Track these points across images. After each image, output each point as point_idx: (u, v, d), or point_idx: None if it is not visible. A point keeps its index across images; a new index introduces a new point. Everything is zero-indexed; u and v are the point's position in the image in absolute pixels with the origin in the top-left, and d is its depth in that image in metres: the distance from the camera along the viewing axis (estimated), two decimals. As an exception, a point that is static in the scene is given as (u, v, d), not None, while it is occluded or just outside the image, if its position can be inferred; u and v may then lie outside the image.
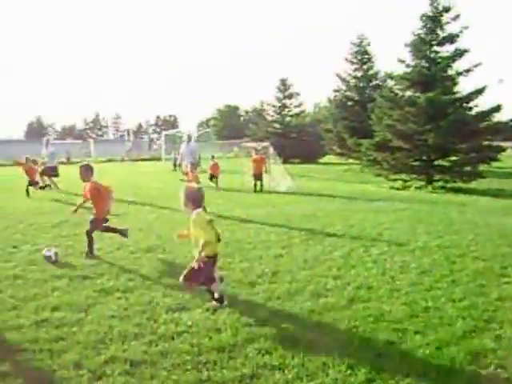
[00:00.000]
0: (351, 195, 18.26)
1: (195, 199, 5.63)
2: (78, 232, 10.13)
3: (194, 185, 6.04)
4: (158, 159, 50.04)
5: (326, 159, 51.23)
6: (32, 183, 17.82)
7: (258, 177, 19.37)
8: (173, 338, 4.83)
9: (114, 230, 8.89)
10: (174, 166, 34.92)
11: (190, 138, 23.20)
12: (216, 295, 5.74)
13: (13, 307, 5.78)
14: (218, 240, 5.85)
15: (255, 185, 19.22)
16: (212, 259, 5.63)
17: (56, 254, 7.84)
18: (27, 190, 17.43)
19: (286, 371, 4.16)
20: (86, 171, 8.64)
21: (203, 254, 5.43)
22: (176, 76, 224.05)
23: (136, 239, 9.50)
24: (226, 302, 5.72)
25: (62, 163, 49.50)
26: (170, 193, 17.27)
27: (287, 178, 20.25)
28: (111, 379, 4.04)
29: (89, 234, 8.33)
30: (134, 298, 6.04)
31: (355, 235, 10.07)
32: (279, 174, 20.63)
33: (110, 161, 55.49)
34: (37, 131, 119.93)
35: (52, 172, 19.39)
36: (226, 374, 4.11)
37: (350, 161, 39.49)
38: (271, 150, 21.20)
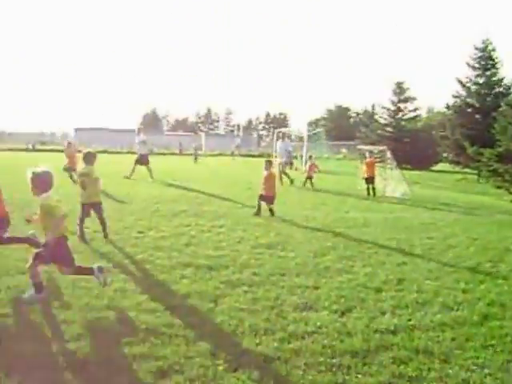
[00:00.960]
0: (470, 206, 17.44)
1: (42, 183, 5.62)
2: (201, 222, 10.48)
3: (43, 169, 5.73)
4: (268, 156, 50.47)
5: (438, 167, 49.40)
6: (70, 168, 17.57)
7: (369, 180, 19.03)
8: (303, 338, 4.83)
9: (20, 240, 7.21)
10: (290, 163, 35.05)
11: (283, 136, 23.52)
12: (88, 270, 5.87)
13: (145, 291, 6.04)
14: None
15: (368, 188, 18.90)
16: (63, 238, 5.67)
17: None
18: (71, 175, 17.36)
19: (424, 384, 4.04)
20: None
21: (52, 234, 5.55)
22: (288, 74, 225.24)
23: (255, 235, 9.66)
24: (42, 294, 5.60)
25: (175, 154, 51.86)
26: (284, 190, 17.41)
27: (403, 184, 19.69)
28: (247, 372, 4.10)
29: None
30: (261, 293, 6.12)
31: (480, 248, 9.59)
32: (395, 180, 20.11)
33: (220, 155, 56.96)
34: (151, 122, 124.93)
35: (146, 160, 19.99)
36: (361, 380, 4.05)
37: (466, 170, 37.75)
38: (388, 154, 20.69)
